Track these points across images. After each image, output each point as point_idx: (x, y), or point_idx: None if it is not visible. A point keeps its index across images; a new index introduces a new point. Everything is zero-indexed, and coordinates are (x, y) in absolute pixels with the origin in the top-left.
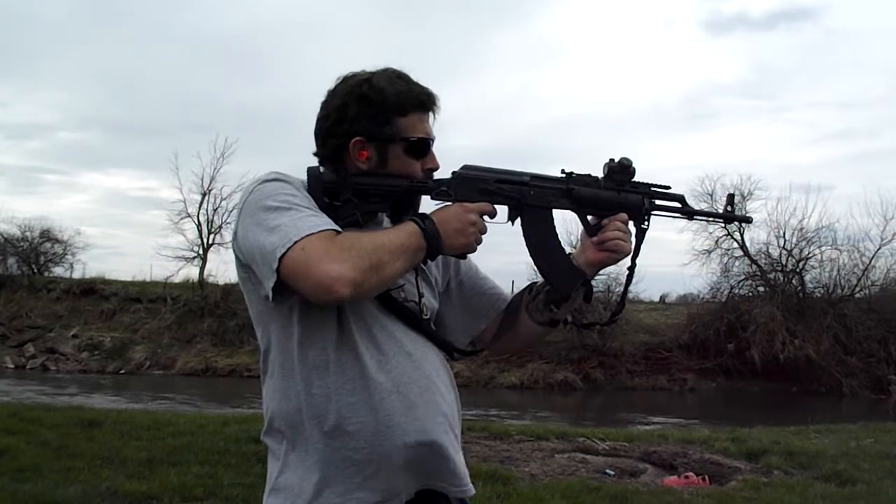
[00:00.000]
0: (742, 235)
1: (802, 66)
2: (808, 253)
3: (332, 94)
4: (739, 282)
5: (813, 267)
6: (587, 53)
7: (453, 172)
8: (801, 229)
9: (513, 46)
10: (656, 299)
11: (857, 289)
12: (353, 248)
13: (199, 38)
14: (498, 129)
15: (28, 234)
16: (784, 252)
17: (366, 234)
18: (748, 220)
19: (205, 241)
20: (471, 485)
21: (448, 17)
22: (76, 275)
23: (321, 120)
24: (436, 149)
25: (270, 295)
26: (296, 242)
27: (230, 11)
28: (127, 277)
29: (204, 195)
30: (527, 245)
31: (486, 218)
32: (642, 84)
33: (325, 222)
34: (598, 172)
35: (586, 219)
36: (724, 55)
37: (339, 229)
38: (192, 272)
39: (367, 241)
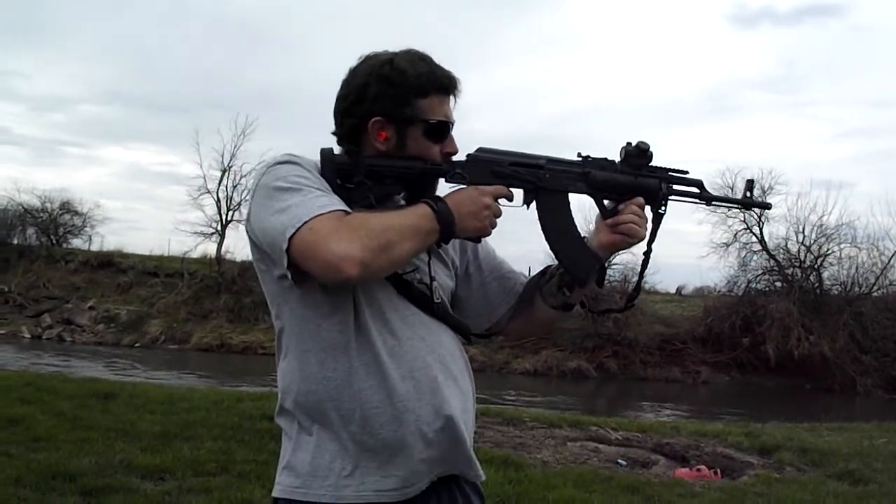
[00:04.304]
0: (761, 230)
1: (827, 63)
2: (827, 250)
3: (353, 72)
4: (757, 276)
5: (831, 264)
6: (609, 44)
7: (468, 155)
8: (821, 226)
9: (534, 33)
10: (673, 290)
11: (875, 287)
12: (362, 228)
13: (223, 16)
14: (515, 116)
15: (48, 205)
16: (803, 248)
17: (376, 215)
18: (767, 206)
19: (223, 217)
20: (481, 470)
21: (469, 3)
22: (94, 247)
23: (341, 98)
24: (454, 132)
25: (288, 275)
26: (305, 222)
27: None
28: (145, 251)
29: (224, 172)
30: (542, 229)
31: (501, 201)
32: (665, 76)
33: (335, 202)
34: (616, 159)
35: (602, 203)
36: (749, 49)
37: (349, 210)
38: (209, 248)
39: (377, 222)
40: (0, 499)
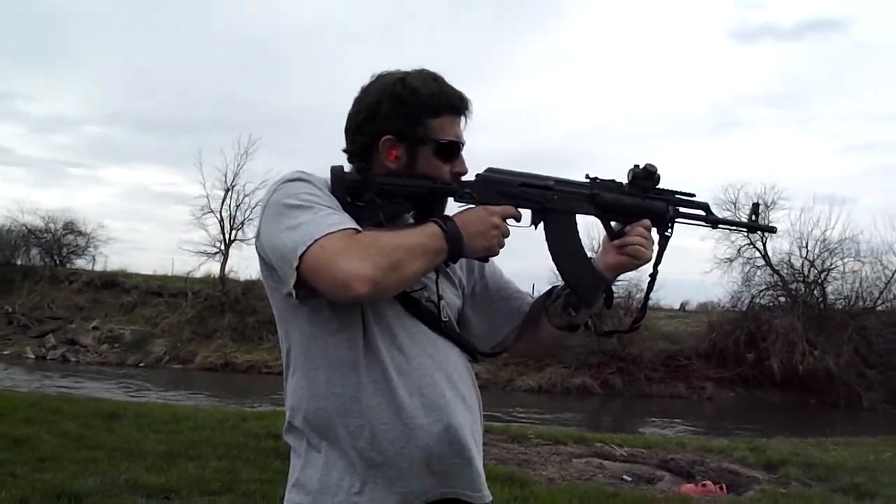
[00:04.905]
0: (764, 245)
1: (830, 78)
2: (831, 264)
3: (365, 91)
4: (760, 291)
5: (835, 278)
6: (612, 62)
7: (477, 175)
8: (824, 240)
9: (538, 53)
10: (676, 307)
11: (879, 301)
12: (372, 247)
13: (228, 39)
14: (521, 134)
15: (51, 225)
16: (806, 262)
17: (386, 234)
18: (772, 230)
19: (226, 236)
20: (487, 491)
21: (474, 26)
22: (98, 267)
23: (352, 116)
24: (464, 152)
25: (293, 293)
26: (316, 240)
27: (262, 13)
28: (148, 271)
29: (227, 191)
30: (549, 250)
31: (509, 221)
32: (668, 93)
33: (345, 220)
34: (623, 180)
35: (610, 224)
36: (752, 65)
37: (360, 228)
38: (213, 267)
39: (387, 241)
40: None
